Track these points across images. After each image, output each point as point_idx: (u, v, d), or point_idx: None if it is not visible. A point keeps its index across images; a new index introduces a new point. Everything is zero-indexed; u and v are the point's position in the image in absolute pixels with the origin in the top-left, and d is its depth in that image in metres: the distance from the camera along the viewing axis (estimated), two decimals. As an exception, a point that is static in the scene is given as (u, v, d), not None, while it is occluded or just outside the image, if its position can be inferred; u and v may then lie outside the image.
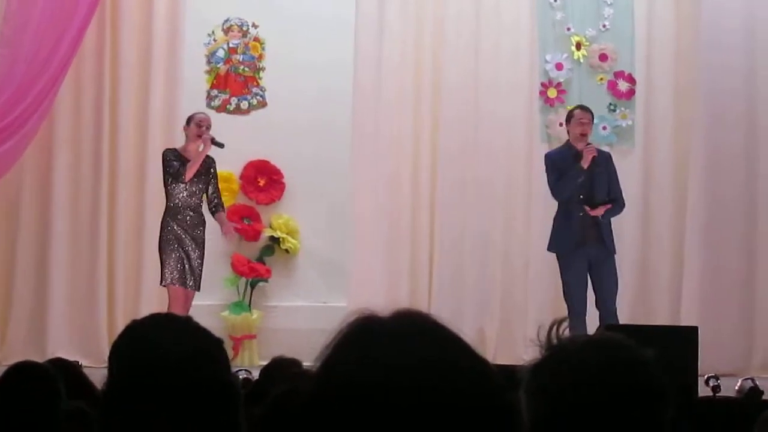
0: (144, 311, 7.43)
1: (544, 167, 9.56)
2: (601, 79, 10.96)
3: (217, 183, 9.78)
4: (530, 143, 10.82)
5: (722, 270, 10.50)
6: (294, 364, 5.22)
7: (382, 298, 10.00)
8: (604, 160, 9.42)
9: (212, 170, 9.69)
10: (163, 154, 9.66)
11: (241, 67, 11.40)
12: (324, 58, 11.06)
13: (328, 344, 1.61)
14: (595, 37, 10.95)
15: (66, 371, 4.33)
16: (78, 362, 6.45)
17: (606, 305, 9.18)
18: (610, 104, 10.92)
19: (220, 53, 11.41)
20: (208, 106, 11.17)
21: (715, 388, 7.80)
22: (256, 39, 11.42)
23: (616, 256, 9.39)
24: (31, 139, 10.26)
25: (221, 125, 10.28)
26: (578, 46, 10.94)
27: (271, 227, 11.23)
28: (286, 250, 11.22)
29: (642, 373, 2.08)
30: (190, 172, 9.47)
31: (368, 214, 10.65)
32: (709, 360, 8.50)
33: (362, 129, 10.66)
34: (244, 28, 11.42)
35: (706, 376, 7.94)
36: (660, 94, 10.89)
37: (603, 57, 10.94)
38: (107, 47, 10.60)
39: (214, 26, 11.40)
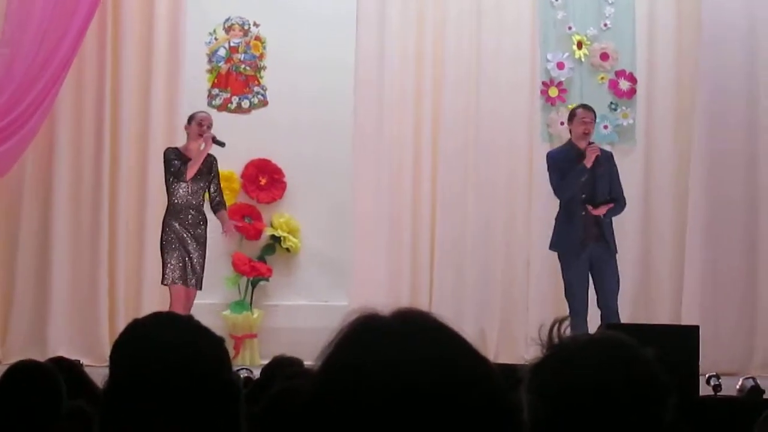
0: (145, 310, 7.41)
1: (545, 166, 9.55)
2: (602, 78, 10.96)
3: (218, 181, 9.78)
4: (531, 142, 10.82)
5: (723, 269, 10.50)
6: (295, 363, 5.22)
7: (383, 297, 10.00)
8: (605, 160, 9.42)
9: (214, 169, 9.69)
10: (164, 153, 9.66)
11: (243, 66, 11.41)
12: (325, 57, 11.06)
13: (329, 343, 1.61)
14: (596, 36, 10.96)
15: (67, 370, 4.33)
16: (79, 361, 6.44)
17: (607, 304, 9.17)
18: (611, 103, 10.92)
19: (222, 52, 11.41)
20: (210, 105, 11.17)
21: (716, 387, 7.79)
22: (257, 38, 11.42)
23: (617, 255, 9.39)
24: (32, 138, 10.26)
25: (222, 124, 10.28)
26: (579, 45, 10.94)
27: (272, 226, 11.23)
28: (287, 249, 11.22)
29: (643, 372, 2.08)
30: (191, 171, 9.47)
31: (369, 213, 10.65)
32: (710, 359, 8.50)
33: (363, 128, 10.66)
34: (246, 27, 11.43)
35: (707, 375, 7.94)
36: (661, 93, 10.89)
37: (604, 56, 10.94)
38: (108, 46, 10.60)
39: (216, 25, 11.40)
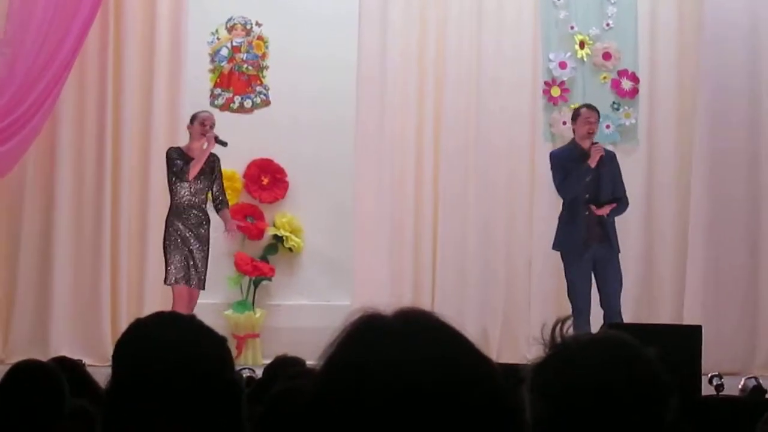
0: (147, 310, 7.41)
1: (547, 166, 9.55)
2: (605, 77, 10.96)
3: (221, 181, 9.78)
4: (533, 142, 10.82)
5: (725, 268, 10.50)
6: (297, 362, 5.22)
7: (386, 297, 10.00)
8: (609, 160, 9.42)
9: (216, 168, 9.69)
10: (167, 153, 9.65)
11: (245, 65, 11.41)
12: (327, 56, 11.07)
13: (331, 343, 1.61)
14: (599, 35, 10.95)
15: (69, 370, 4.33)
16: (81, 361, 6.45)
17: (610, 304, 9.17)
18: (614, 103, 10.92)
19: (224, 52, 11.41)
20: (212, 104, 11.17)
21: (719, 387, 7.80)
22: (259, 37, 11.42)
23: (620, 254, 9.39)
24: (34, 139, 10.26)
25: (225, 124, 10.27)
26: (582, 44, 10.94)
27: (274, 226, 11.23)
28: (290, 249, 11.22)
29: (645, 372, 2.08)
30: (193, 171, 9.47)
31: (371, 212, 10.64)
32: (712, 359, 8.49)
33: (366, 127, 10.66)
34: (248, 27, 11.43)
35: (709, 375, 7.94)
36: (663, 93, 10.89)
37: (606, 56, 10.94)
38: (110, 46, 10.60)
39: (218, 25, 11.40)
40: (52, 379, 3.83)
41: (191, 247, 9.42)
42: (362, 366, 1.55)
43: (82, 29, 10.25)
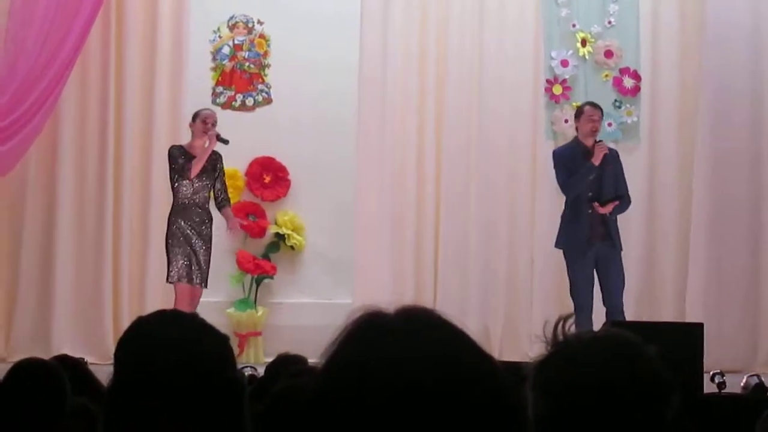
0: (149, 308, 7.43)
1: (549, 164, 9.55)
2: (607, 75, 10.95)
3: (223, 179, 9.78)
4: (535, 140, 10.82)
5: (727, 266, 10.50)
6: (299, 360, 5.23)
7: (388, 295, 10.01)
8: (612, 158, 9.42)
9: (218, 166, 9.69)
10: (169, 151, 9.66)
11: (247, 64, 11.41)
12: (329, 55, 11.07)
13: (333, 341, 1.61)
14: (601, 33, 10.95)
15: (71, 368, 4.33)
16: (83, 359, 6.46)
17: (612, 302, 9.17)
18: (616, 101, 10.92)
19: (226, 50, 11.41)
20: (214, 102, 11.17)
21: (721, 385, 7.79)
22: (261, 36, 11.42)
23: (622, 252, 9.39)
24: (36, 137, 10.26)
25: (226, 122, 10.28)
26: (583, 42, 10.94)
27: (276, 224, 11.23)
28: (292, 247, 11.22)
29: (647, 370, 2.08)
30: (195, 169, 9.47)
31: (373, 210, 10.65)
32: (714, 356, 8.49)
33: (367, 126, 10.66)
34: (250, 25, 11.43)
35: (711, 373, 7.94)
36: (665, 91, 10.89)
37: (608, 54, 10.93)
38: (112, 44, 10.60)
39: (220, 23, 11.41)
40: (54, 378, 3.84)
41: (193, 246, 9.42)
42: (364, 364, 1.55)
43: (84, 28, 10.25)
